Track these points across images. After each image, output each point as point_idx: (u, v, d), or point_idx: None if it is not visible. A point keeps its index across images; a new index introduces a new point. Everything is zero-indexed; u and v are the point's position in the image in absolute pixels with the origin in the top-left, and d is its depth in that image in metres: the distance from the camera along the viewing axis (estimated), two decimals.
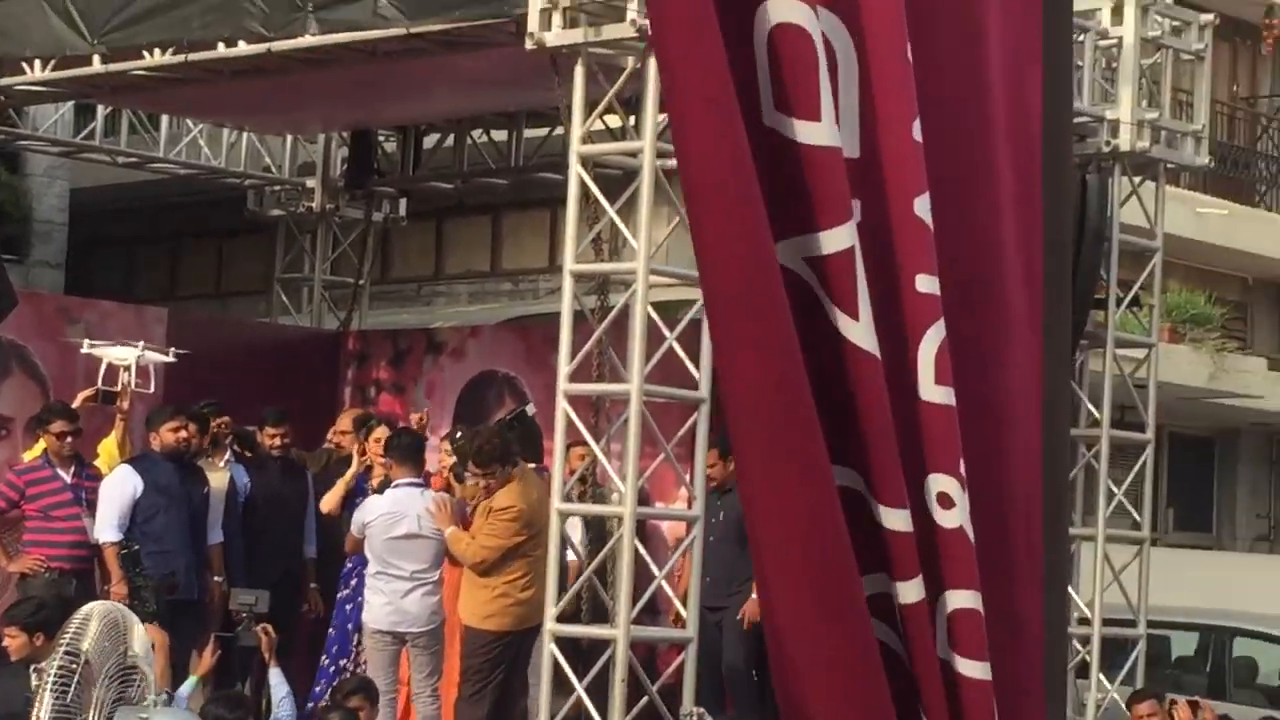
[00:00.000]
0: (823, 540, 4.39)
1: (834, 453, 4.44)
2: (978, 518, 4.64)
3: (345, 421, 14.31)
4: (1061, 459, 5.02)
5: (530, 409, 12.15)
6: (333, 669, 12.90)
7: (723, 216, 4.31)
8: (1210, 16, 13.67)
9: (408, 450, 12.64)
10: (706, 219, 4.34)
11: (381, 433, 13.38)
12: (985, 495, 4.68)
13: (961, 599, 4.61)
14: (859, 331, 4.45)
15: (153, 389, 13.59)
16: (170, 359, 13.82)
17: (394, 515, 12.34)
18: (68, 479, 12.83)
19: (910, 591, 4.52)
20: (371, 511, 12.46)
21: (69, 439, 12.86)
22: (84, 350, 13.80)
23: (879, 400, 4.47)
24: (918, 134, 4.60)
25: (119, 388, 13.48)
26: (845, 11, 4.55)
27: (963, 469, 4.60)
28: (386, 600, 12.35)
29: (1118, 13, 12.84)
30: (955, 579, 4.60)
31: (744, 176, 4.29)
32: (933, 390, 4.58)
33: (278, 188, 17.72)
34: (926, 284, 4.59)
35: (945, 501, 4.61)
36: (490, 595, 11.93)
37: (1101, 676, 13.10)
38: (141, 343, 13.84)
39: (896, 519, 4.50)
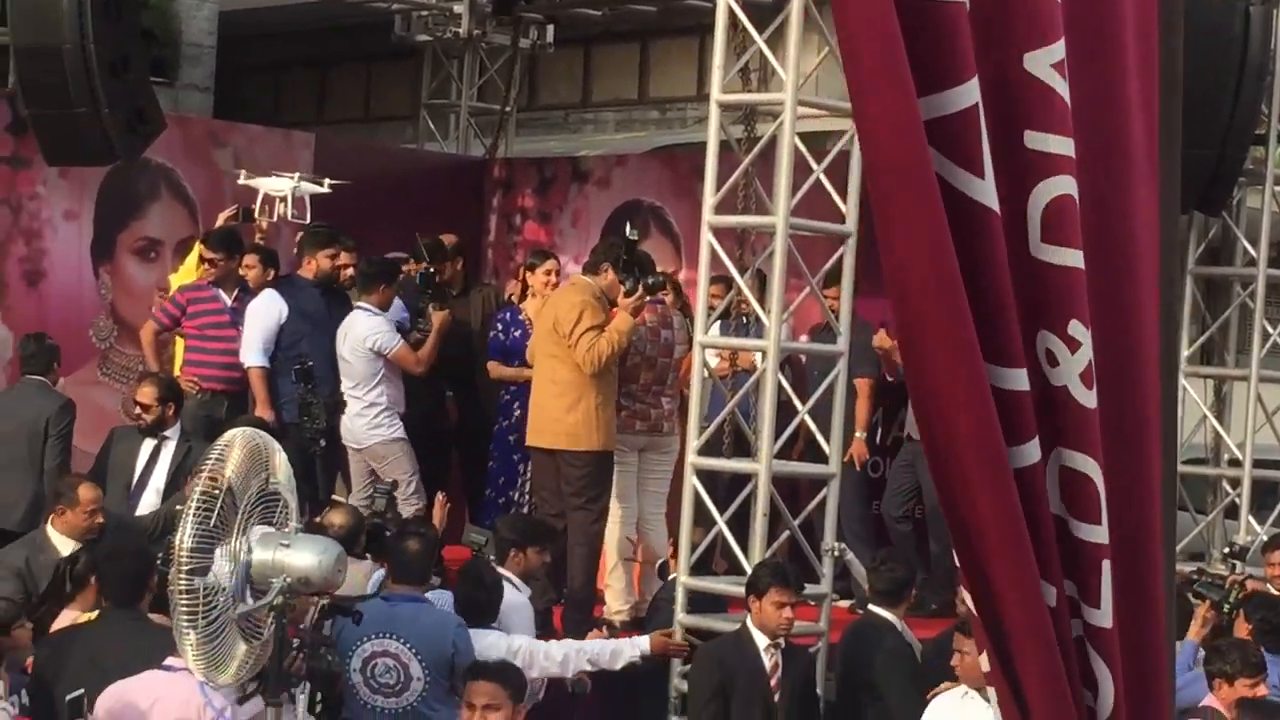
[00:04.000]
0: (975, 411, 4.36)
1: None
2: (1105, 382, 4.59)
3: None
4: (1172, 312, 4.92)
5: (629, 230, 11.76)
6: (501, 500, 12.78)
7: (877, 82, 4.23)
8: None
9: (367, 279, 12.59)
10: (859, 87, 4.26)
11: (551, 265, 13.29)
12: (1112, 356, 4.62)
13: (1069, 458, 4.57)
14: (982, 188, 4.36)
15: (308, 219, 13.54)
16: (325, 190, 13.74)
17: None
18: (229, 301, 12.87)
19: (1029, 454, 4.48)
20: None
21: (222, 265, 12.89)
22: (240, 182, 13.79)
23: (1000, 256, 4.41)
24: None
25: (274, 218, 13.50)
26: None
27: (1073, 329, 4.54)
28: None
29: None
30: (1064, 438, 4.56)
31: (894, 45, 4.20)
32: (1039, 248, 4.51)
33: (425, 12, 17.62)
34: (1034, 141, 4.49)
35: (1051, 360, 4.55)
36: None
37: (1251, 519, 12.97)
38: (297, 174, 13.79)
39: (1014, 379, 4.45)
